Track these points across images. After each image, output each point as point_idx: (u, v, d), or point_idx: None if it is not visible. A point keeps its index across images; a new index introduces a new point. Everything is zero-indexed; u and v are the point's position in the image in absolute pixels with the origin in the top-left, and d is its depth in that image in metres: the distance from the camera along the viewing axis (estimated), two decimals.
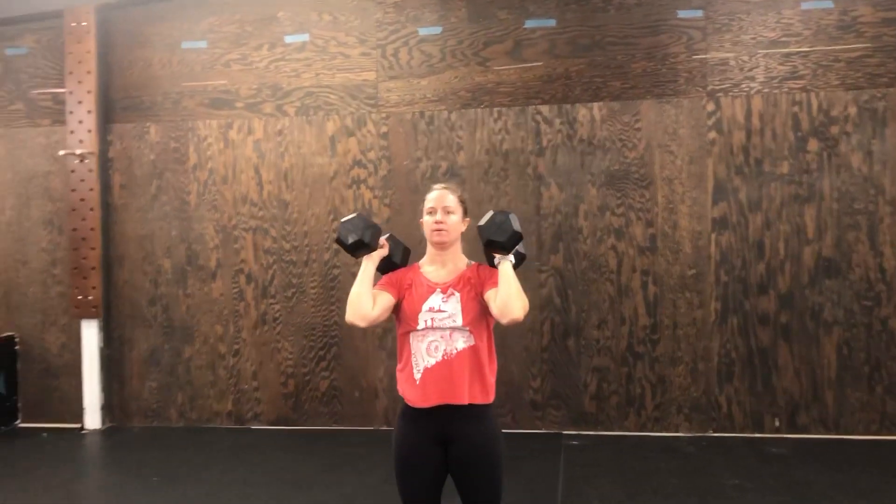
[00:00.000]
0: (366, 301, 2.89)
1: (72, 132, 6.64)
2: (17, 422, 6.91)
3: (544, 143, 6.38)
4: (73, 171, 6.65)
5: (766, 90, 6.11)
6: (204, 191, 6.75)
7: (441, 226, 2.95)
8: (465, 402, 2.84)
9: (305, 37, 6.64)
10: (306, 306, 6.61)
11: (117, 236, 6.84)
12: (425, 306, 2.91)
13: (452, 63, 6.48)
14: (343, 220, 2.99)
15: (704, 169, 6.20)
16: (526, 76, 6.40)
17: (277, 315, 6.65)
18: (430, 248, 3.05)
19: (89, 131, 6.61)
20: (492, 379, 2.95)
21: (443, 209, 2.96)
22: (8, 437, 6.61)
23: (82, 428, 6.71)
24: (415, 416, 2.92)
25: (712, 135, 6.18)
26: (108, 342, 6.80)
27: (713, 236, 6.18)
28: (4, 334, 6.87)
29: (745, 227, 6.14)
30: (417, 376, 2.88)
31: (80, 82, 6.61)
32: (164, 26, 6.80)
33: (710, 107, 6.18)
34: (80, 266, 6.64)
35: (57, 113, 6.84)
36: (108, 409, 6.79)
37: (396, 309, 2.98)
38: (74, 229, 6.65)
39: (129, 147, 6.84)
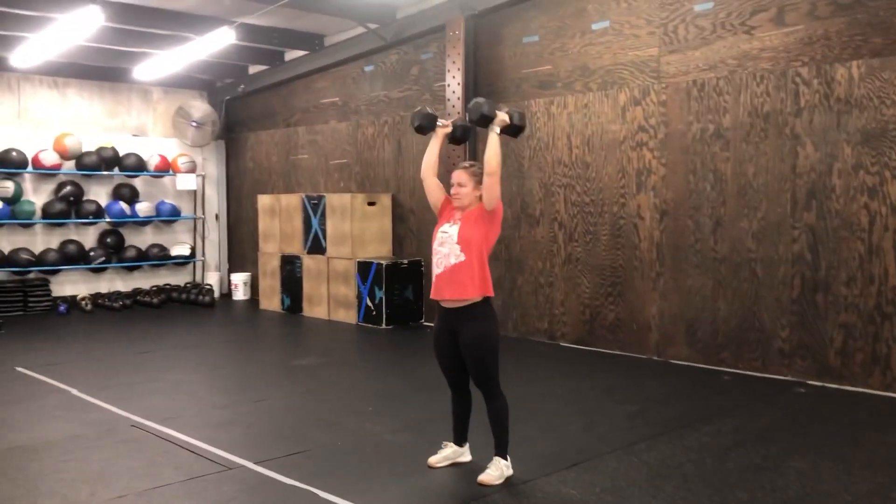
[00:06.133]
0: (429, 160, 4.58)
1: (448, 114, 9.07)
2: (421, 320, 9.79)
3: (802, 103, 6.60)
4: (448, 145, 9.07)
5: None
6: (533, 155, 8.56)
7: (456, 195, 4.41)
8: (455, 297, 4.29)
9: (606, 23, 7.89)
10: (599, 249, 8.00)
11: None
12: (441, 228, 4.44)
13: (722, 34, 7.07)
14: (413, 111, 4.68)
15: None
16: (787, 40, 6.67)
17: (579, 256, 8.18)
18: None
19: (458, 113, 8.94)
20: (482, 283, 4.31)
21: (457, 184, 4.42)
22: (414, 329, 9.49)
23: None
24: (440, 314, 4.47)
25: None
26: None
27: None
28: (415, 258, 9.76)
29: None
30: (433, 279, 4.43)
31: (454, 77, 8.97)
32: (511, 27, 8.73)
33: None
34: None
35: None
36: None
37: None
38: None
39: None
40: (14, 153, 10.63)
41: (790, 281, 6.73)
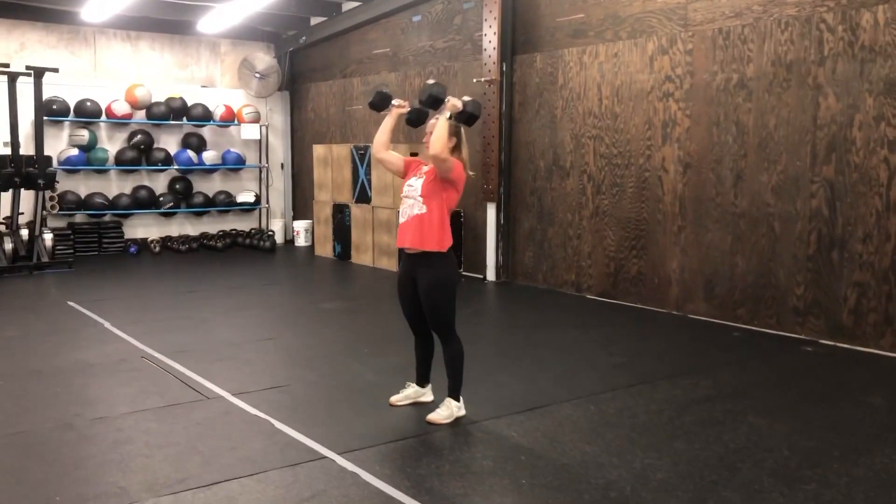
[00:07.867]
0: (381, 139, 4.66)
1: (484, 64, 9.07)
2: (461, 269, 9.94)
3: (825, 51, 6.29)
4: (484, 94, 9.11)
5: None
6: (566, 106, 8.49)
7: (426, 143, 4.51)
8: (415, 247, 4.45)
9: None
10: (625, 202, 7.91)
11: (514, 142, 9.11)
12: (408, 181, 4.57)
13: None
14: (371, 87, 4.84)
15: None
16: None
17: (605, 209, 8.11)
18: None
19: (494, 63, 8.93)
20: (440, 237, 4.44)
21: (429, 133, 4.50)
22: None
23: (484, 279, 9.38)
24: (402, 259, 4.64)
25: None
26: (505, 220, 9.22)
27: None
28: (455, 210, 9.87)
29: None
30: (398, 228, 4.58)
31: (490, 26, 8.93)
32: None
33: None
34: (486, 164, 9.15)
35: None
36: (503, 268, 9.30)
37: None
38: (483, 136, 9.16)
39: (524, 73, 8.95)
40: (89, 103, 11.34)
41: (807, 237, 6.50)
